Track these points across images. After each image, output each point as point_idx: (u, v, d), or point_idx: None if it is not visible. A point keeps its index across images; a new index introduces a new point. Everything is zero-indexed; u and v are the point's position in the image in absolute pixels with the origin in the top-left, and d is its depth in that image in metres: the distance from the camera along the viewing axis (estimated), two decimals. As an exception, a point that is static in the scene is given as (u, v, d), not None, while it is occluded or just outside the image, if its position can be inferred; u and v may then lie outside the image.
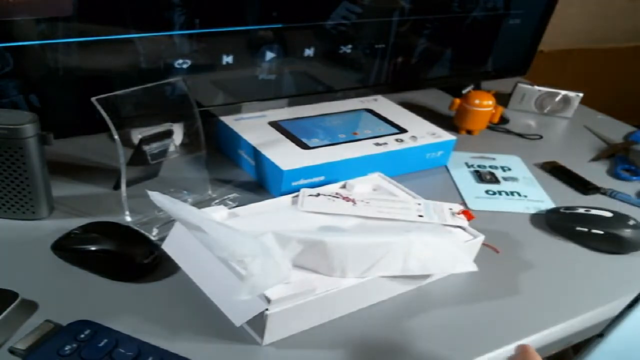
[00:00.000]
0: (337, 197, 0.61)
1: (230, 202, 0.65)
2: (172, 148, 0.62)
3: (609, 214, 0.67)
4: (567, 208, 0.70)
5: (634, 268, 0.63)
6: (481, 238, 0.59)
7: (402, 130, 0.78)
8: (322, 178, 0.69)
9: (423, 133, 0.78)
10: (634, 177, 0.83)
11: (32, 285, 0.50)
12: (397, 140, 0.75)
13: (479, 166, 0.82)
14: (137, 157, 0.59)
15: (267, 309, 0.45)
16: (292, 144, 0.71)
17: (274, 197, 0.63)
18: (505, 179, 0.79)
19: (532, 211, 0.72)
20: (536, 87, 1.02)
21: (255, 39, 0.73)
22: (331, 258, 0.49)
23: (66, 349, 0.43)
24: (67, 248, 0.54)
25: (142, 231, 0.58)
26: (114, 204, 0.62)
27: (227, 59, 0.73)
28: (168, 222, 0.58)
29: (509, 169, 0.82)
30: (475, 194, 0.75)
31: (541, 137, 0.94)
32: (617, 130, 1.00)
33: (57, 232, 0.55)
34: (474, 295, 0.56)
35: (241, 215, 0.57)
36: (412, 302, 0.54)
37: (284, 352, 0.47)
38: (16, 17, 0.57)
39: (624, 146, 0.92)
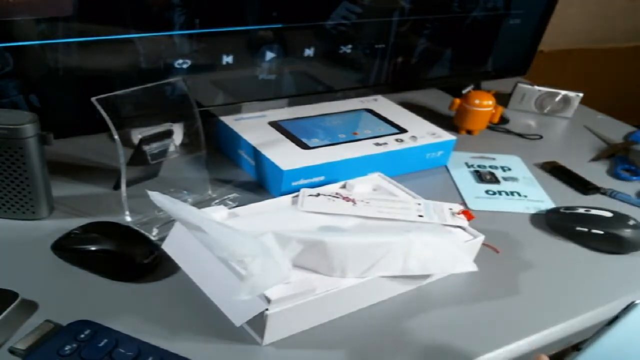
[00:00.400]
0: (337, 197, 0.61)
1: (230, 202, 0.65)
2: (172, 148, 0.62)
3: (609, 214, 0.67)
4: (567, 208, 0.70)
5: (634, 268, 0.63)
6: (481, 238, 0.59)
7: (402, 130, 0.78)
8: (322, 178, 0.69)
9: (423, 133, 0.78)
10: (634, 177, 0.83)
11: (32, 285, 0.50)
12: (397, 140, 0.75)
13: (479, 166, 0.82)
14: (137, 157, 0.59)
15: (267, 309, 0.45)
16: (292, 144, 0.71)
17: (274, 197, 0.63)
18: (505, 179, 0.79)
19: (532, 211, 0.72)
20: (536, 87, 1.02)
21: (255, 39, 0.73)
22: (331, 258, 0.49)
23: (66, 349, 0.43)
24: (67, 248, 0.54)
25: (142, 231, 0.58)
26: (114, 204, 0.62)
27: (227, 59, 0.73)
28: (168, 222, 0.58)
29: (509, 169, 0.82)
30: (475, 194, 0.75)
31: (541, 137, 0.94)
32: (617, 130, 1.00)
33: (57, 232, 0.55)
34: (474, 295, 0.56)
35: (241, 215, 0.57)
36: (412, 302, 0.54)
37: (284, 352, 0.47)
38: (16, 17, 0.57)
39: (624, 146, 0.92)
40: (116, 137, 0.56)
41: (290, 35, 0.76)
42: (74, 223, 0.56)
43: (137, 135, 0.59)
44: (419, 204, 0.62)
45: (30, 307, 0.48)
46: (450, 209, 0.62)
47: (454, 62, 0.95)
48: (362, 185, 0.66)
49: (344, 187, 0.67)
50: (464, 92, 0.98)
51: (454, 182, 0.77)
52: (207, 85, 0.74)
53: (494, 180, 0.78)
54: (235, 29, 0.71)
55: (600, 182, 0.80)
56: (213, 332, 0.48)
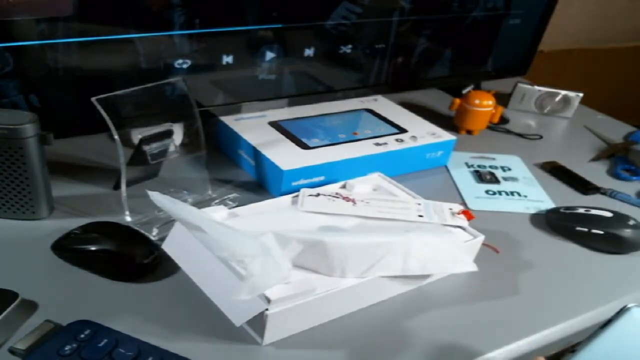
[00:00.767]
0: (337, 197, 0.61)
1: (230, 202, 0.65)
2: (172, 148, 0.62)
3: (609, 214, 0.67)
4: (567, 208, 0.70)
5: (634, 268, 0.63)
6: (481, 238, 0.59)
7: (402, 130, 0.78)
8: (322, 178, 0.69)
9: (423, 133, 0.78)
10: (634, 177, 0.83)
11: (32, 285, 0.50)
12: (397, 140, 0.75)
13: (479, 166, 0.82)
14: (137, 157, 0.59)
15: (267, 309, 0.45)
16: (292, 144, 0.71)
17: (274, 197, 0.63)
18: (505, 179, 0.79)
19: (532, 211, 0.72)
20: (536, 87, 1.02)
21: (255, 39, 0.73)
22: (331, 258, 0.49)
23: (66, 349, 0.43)
24: (67, 248, 0.54)
25: (142, 231, 0.58)
26: (114, 204, 0.62)
27: (227, 59, 0.73)
28: (168, 222, 0.58)
29: (509, 169, 0.82)
30: (475, 194, 0.75)
31: (541, 137, 0.94)
32: (617, 130, 1.00)
33: (57, 232, 0.55)
34: (474, 295, 0.56)
35: (241, 215, 0.57)
36: (412, 302, 0.54)
37: (284, 352, 0.47)
38: (16, 17, 0.57)
39: (624, 146, 0.92)
40: (116, 137, 0.56)
41: (290, 35, 0.76)
42: (74, 223, 0.56)
43: (137, 135, 0.59)
44: (419, 204, 0.62)
45: (30, 307, 0.48)
46: (450, 209, 0.62)
47: (454, 62, 0.95)
48: (362, 185, 0.66)
49: (344, 187, 0.67)
50: (464, 92, 0.98)
51: (454, 182, 0.77)
52: (207, 85, 0.74)
53: (494, 180, 0.78)
54: (235, 29, 0.71)
55: (600, 182, 0.80)
56: (213, 332, 0.48)
